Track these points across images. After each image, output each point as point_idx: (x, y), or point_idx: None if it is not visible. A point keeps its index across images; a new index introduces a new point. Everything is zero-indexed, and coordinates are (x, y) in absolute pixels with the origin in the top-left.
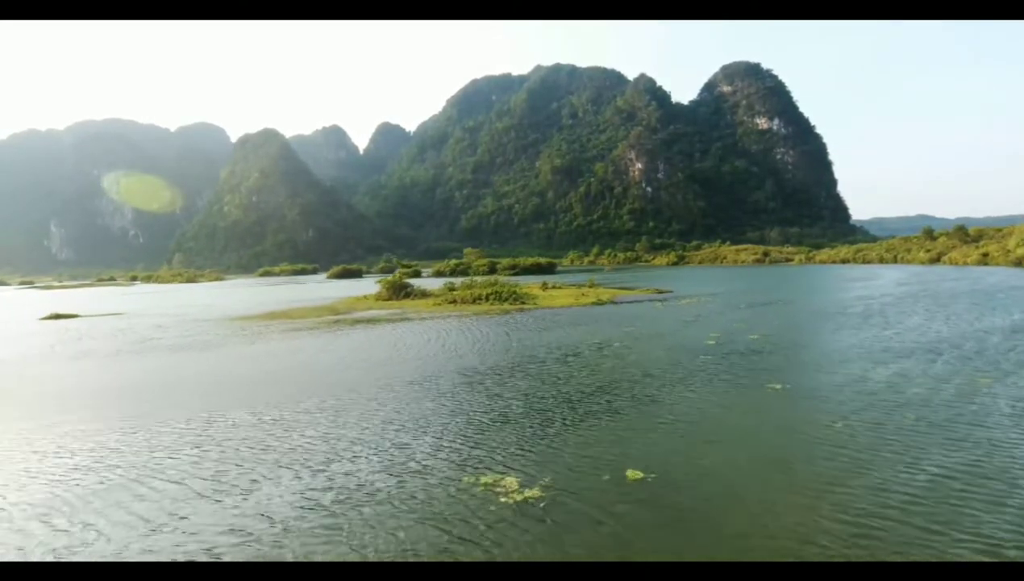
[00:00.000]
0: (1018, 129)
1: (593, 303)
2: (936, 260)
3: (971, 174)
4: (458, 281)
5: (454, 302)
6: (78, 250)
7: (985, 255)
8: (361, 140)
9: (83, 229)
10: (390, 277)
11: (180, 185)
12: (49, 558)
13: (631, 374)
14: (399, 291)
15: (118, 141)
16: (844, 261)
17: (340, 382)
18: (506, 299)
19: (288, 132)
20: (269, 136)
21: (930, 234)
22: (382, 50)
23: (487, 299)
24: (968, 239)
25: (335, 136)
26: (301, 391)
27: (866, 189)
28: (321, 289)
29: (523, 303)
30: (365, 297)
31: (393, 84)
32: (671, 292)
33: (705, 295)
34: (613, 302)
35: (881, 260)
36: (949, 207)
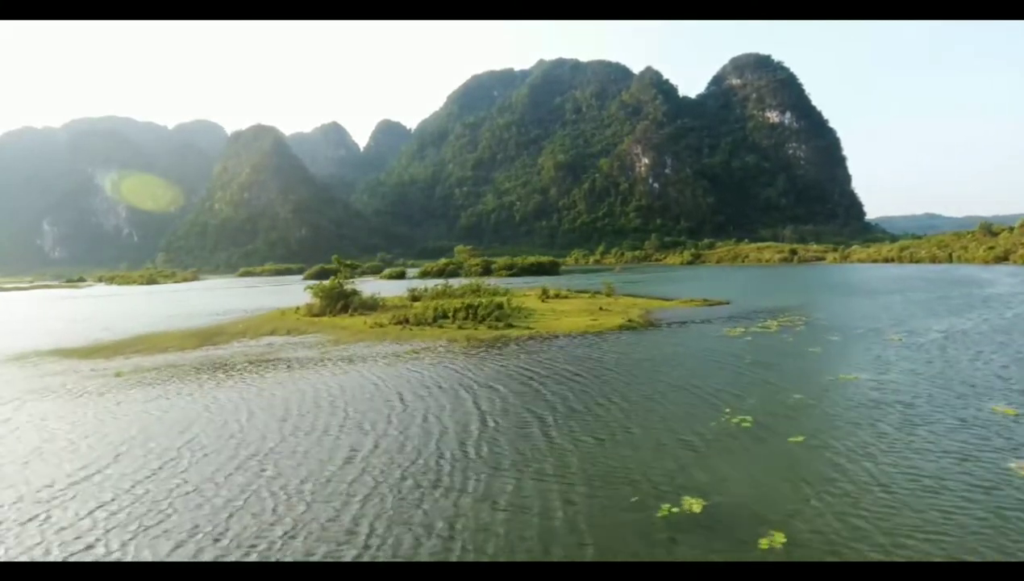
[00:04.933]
0: (1021, 128)
1: (621, 326)
2: (1003, 258)
3: (976, 173)
4: (433, 284)
5: (404, 322)
6: (71, 249)
7: None
8: (362, 138)
9: (76, 227)
10: (327, 282)
11: (177, 183)
12: None
13: None
14: (336, 302)
15: (114, 138)
16: (887, 260)
17: None
18: (485, 318)
19: (288, 130)
20: (262, 131)
21: (989, 230)
22: (382, 48)
23: (455, 318)
24: None
25: (335, 134)
26: None
27: (871, 188)
28: (277, 294)
29: (511, 325)
30: (296, 309)
31: (394, 81)
32: (727, 304)
33: (790, 311)
34: (652, 323)
35: (933, 259)
36: (956, 206)
